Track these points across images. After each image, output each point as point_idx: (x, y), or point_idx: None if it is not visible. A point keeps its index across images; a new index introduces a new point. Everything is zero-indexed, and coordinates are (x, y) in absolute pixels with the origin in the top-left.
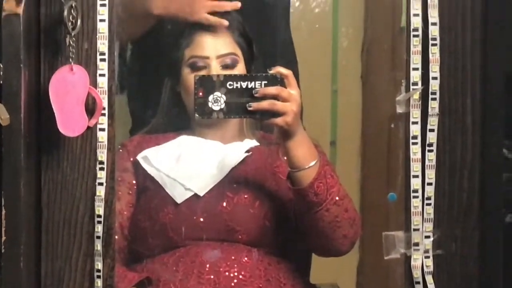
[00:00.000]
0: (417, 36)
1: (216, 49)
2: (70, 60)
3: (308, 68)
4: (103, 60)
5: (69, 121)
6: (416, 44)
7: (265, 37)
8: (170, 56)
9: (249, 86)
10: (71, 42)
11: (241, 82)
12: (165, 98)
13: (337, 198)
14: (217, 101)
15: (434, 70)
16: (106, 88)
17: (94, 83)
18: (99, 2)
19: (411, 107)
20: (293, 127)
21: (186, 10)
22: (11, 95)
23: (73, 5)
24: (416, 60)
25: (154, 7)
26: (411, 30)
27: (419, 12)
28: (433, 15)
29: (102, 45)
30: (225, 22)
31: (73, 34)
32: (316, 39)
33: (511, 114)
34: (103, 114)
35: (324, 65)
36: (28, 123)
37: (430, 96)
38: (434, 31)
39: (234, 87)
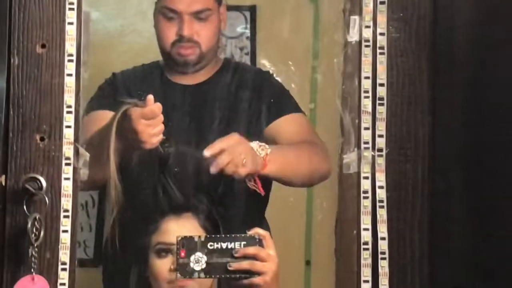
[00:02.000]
0: (367, 249)
1: (180, 234)
2: (32, 270)
3: (281, 240)
4: (64, 270)
5: None
6: (366, 257)
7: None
8: (137, 242)
9: (229, 247)
10: (34, 253)
11: (222, 243)
12: (133, 283)
13: None
14: (198, 261)
15: (384, 283)
16: None
17: None
18: (62, 214)
19: None
20: (272, 286)
21: (136, 145)
22: None
23: (37, 217)
24: (366, 272)
25: (111, 144)
26: (362, 243)
27: (369, 226)
28: (382, 230)
29: (64, 254)
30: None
31: (35, 245)
32: (291, 212)
33: None
34: None
35: (297, 237)
36: None
37: None
38: (383, 245)
39: (215, 247)
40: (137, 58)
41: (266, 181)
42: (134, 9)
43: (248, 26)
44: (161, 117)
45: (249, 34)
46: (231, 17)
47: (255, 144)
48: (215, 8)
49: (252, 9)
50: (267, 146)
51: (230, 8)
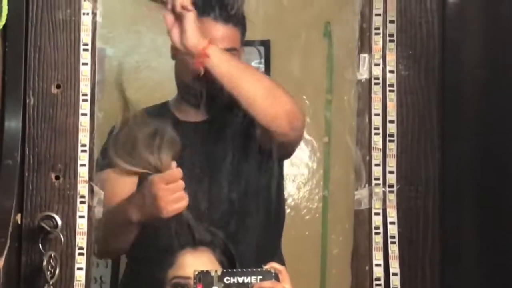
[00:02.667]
0: (379, 285)
1: (197, 268)
2: None
3: (296, 274)
4: None
5: None
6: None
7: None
8: (154, 277)
9: (245, 281)
10: None
11: (238, 277)
12: None
13: None
14: None
15: None
16: None
17: None
18: (77, 251)
19: None
20: None
21: (155, 212)
22: None
23: (53, 255)
24: None
25: (132, 216)
26: (374, 279)
27: (381, 262)
28: (394, 266)
29: None
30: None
31: (51, 282)
32: (306, 246)
33: None
34: None
35: (313, 271)
36: None
37: None
38: (395, 280)
39: (231, 282)
40: (152, 94)
41: (271, 207)
42: (148, 45)
43: (262, 60)
44: (181, 183)
45: (263, 69)
46: (245, 52)
47: None
48: (239, 49)
49: (266, 44)
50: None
51: (245, 43)
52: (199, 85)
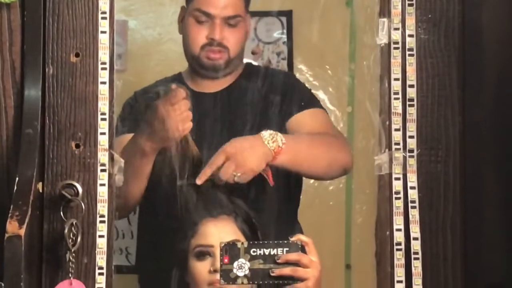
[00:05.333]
0: (400, 249)
1: (220, 237)
2: (70, 275)
3: (321, 244)
4: (101, 274)
5: None
6: (399, 258)
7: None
8: (177, 247)
9: (272, 253)
10: (71, 258)
11: (264, 249)
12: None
13: None
14: (241, 267)
15: (417, 283)
16: None
17: None
18: (98, 219)
19: None
20: None
21: (165, 135)
22: None
23: (74, 222)
24: (400, 272)
25: (145, 146)
26: (394, 243)
27: (401, 227)
28: (415, 230)
29: (101, 259)
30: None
31: (73, 250)
32: (330, 216)
33: None
34: None
35: (338, 241)
36: None
37: None
38: (415, 245)
39: (258, 253)
40: (174, 66)
41: (290, 177)
42: (170, 17)
43: (285, 31)
44: (186, 103)
45: (285, 39)
46: (268, 22)
47: (266, 134)
48: (244, 16)
49: (288, 14)
50: (279, 135)
51: (266, 13)
52: (208, 55)
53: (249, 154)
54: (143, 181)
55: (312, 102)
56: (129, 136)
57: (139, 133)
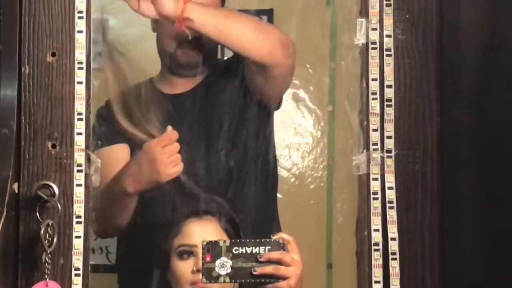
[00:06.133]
0: (377, 250)
1: (203, 236)
2: (46, 276)
3: (302, 243)
4: (77, 275)
5: None
6: (377, 258)
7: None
8: (159, 246)
9: (254, 251)
10: (47, 259)
11: (246, 248)
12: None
13: None
14: (223, 266)
15: (395, 283)
16: None
17: None
18: (75, 220)
19: None
20: None
21: (153, 178)
22: None
23: (50, 223)
24: (377, 273)
25: (128, 186)
26: (372, 244)
27: (379, 227)
28: (392, 231)
29: (77, 260)
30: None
31: (49, 251)
32: (311, 214)
33: None
34: None
35: (319, 240)
36: None
37: None
38: (393, 245)
39: (240, 252)
40: (156, 64)
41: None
42: None
43: None
44: (177, 145)
45: None
46: None
47: None
48: None
49: (269, 13)
50: None
51: (247, 12)
52: (185, 52)
53: None
54: (129, 214)
55: None
56: (103, 150)
57: (124, 173)
